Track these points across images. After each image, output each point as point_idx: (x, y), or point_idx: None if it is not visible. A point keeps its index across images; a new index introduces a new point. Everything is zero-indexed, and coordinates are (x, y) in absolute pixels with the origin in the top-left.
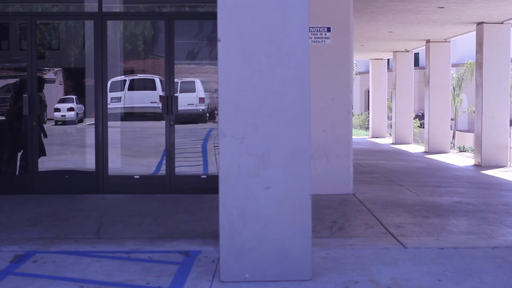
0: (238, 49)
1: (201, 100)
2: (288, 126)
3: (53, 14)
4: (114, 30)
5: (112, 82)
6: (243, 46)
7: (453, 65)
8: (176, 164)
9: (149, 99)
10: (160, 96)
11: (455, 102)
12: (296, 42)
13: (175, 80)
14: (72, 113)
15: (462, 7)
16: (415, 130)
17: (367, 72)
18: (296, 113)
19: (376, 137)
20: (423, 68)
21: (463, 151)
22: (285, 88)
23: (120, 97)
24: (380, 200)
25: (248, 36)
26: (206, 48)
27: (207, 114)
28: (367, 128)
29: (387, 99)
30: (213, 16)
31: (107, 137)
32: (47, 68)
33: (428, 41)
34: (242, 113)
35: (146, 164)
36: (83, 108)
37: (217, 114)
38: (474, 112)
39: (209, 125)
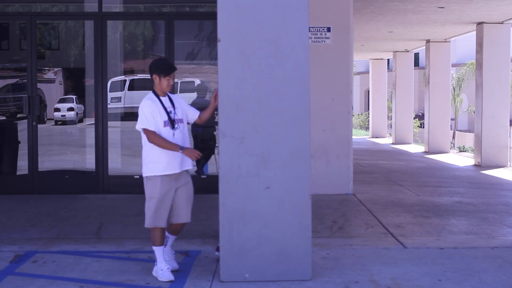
0: (238, 49)
1: None
2: (288, 126)
3: (53, 14)
4: (114, 30)
5: (112, 82)
6: (243, 46)
7: (453, 65)
8: None
9: None
10: None
11: (455, 102)
12: (296, 42)
13: (175, 80)
14: (72, 113)
15: (462, 7)
16: (415, 130)
17: (367, 72)
18: (296, 113)
19: (376, 137)
20: (423, 68)
21: (463, 151)
22: (285, 88)
23: (120, 97)
24: (380, 200)
25: (248, 36)
26: (206, 48)
27: None
28: (367, 128)
29: (387, 99)
30: (213, 16)
31: (107, 137)
32: (47, 68)
33: (428, 41)
34: (242, 113)
35: None
36: (83, 108)
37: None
38: (474, 112)
39: None
